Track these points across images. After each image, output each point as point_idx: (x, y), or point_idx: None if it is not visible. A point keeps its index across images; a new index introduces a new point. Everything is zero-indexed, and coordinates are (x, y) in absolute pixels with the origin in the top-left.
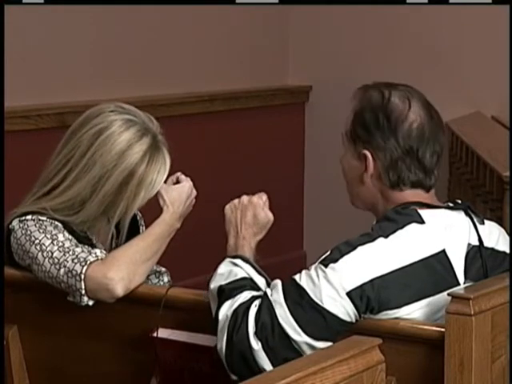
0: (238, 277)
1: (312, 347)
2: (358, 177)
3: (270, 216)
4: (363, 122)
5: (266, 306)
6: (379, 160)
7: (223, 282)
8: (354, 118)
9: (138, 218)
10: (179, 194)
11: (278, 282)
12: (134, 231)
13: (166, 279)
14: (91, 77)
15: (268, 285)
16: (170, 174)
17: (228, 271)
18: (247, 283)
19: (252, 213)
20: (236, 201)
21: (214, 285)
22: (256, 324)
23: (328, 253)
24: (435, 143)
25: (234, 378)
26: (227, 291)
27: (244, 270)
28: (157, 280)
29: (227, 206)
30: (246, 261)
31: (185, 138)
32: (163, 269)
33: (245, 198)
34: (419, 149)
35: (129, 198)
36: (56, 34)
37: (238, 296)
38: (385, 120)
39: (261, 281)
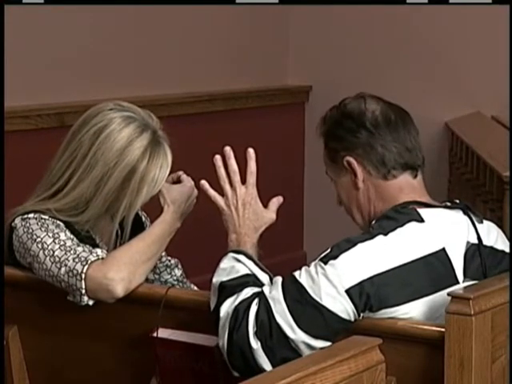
0: (240, 273)
1: (310, 346)
2: (352, 187)
3: (273, 216)
4: (333, 136)
5: (264, 304)
6: (362, 158)
7: (225, 278)
8: (326, 140)
9: (144, 219)
10: (180, 194)
11: (279, 279)
12: (138, 232)
13: (178, 273)
14: (91, 77)
15: (272, 281)
16: (170, 174)
17: (230, 267)
18: (249, 280)
19: (252, 209)
20: (230, 197)
21: (215, 279)
22: (256, 323)
23: (328, 250)
24: (406, 125)
25: (236, 374)
26: (229, 288)
27: (247, 267)
28: (169, 276)
29: (222, 203)
30: (249, 257)
31: (185, 138)
32: (173, 261)
33: (242, 194)
34: (391, 131)
35: (131, 195)
36: (56, 34)
37: (240, 293)
38: (349, 121)
39: (264, 277)
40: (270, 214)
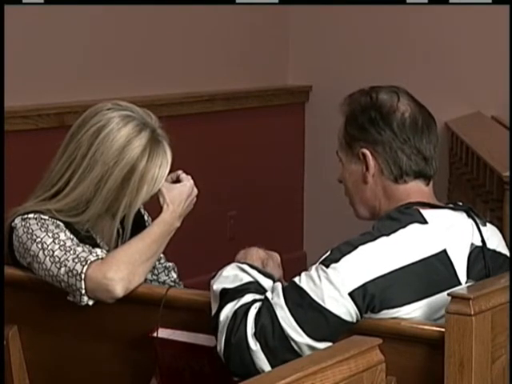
0: (244, 281)
1: (313, 349)
2: (361, 179)
3: (280, 272)
4: (356, 122)
5: (266, 307)
6: (379, 155)
7: (228, 286)
8: (347, 122)
9: (146, 217)
10: (180, 193)
11: (278, 285)
12: (141, 232)
13: (174, 275)
14: (91, 77)
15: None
16: (170, 173)
17: (233, 275)
18: (252, 287)
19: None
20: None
21: (217, 286)
22: (255, 325)
23: (328, 253)
24: (430, 133)
25: (236, 378)
26: (230, 293)
27: (250, 275)
28: (166, 277)
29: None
30: (253, 267)
31: (185, 138)
32: (170, 264)
33: (260, 252)
34: (415, 137)
35: (131, 194)
36: (56, 34)
37: (241, 298)
38: (377, 115)
39: (268, 283)
40: (279, 271)
